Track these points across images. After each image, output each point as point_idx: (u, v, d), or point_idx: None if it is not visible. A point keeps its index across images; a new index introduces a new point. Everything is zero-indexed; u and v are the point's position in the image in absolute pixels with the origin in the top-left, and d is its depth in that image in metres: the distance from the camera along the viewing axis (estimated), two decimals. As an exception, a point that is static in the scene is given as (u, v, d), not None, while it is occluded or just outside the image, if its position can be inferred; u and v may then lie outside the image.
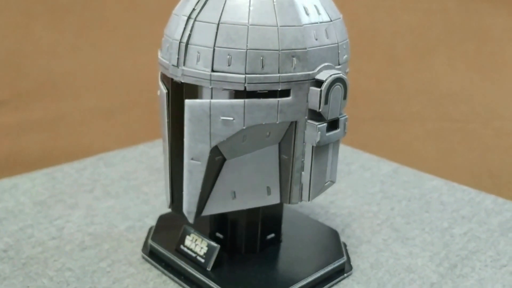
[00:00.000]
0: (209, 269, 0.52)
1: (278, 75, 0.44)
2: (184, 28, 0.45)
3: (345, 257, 0.56)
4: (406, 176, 0.78)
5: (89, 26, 1.03)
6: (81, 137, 0.97)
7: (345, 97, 0.47)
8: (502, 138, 1.02)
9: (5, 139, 0.94)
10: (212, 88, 0.44)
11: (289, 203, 0.49)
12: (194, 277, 0.52)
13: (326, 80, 0.44)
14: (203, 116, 0.45)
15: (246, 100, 0.44)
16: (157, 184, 0.73)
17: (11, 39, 0.99)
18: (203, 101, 0.44)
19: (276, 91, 0.44)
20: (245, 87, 0.44)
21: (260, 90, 0.44)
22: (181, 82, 0.45)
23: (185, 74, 0.45)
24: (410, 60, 1.09)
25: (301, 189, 0.48)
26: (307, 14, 0.45)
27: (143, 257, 0.57)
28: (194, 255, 0.53)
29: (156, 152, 0.83)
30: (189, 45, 0.44)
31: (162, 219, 0.61)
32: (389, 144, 1.00)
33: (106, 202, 0.68)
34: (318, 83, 0.45)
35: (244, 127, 0.45)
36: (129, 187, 0.72)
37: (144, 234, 0.61)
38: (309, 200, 0.48)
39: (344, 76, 0.46)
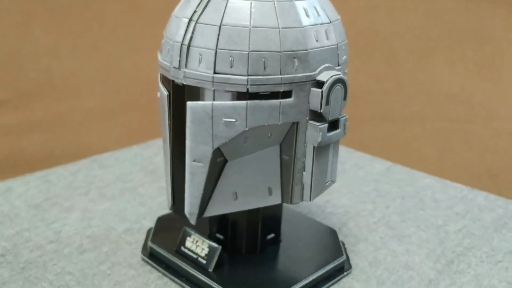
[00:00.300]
0: (210, 270, 0.52)
1: (280, 76, 0.44)
2: (186, 30, 0.45)
3: (344, 256, 0.56)
4: (399, 174, 0.79)
5: (89, 26, 1.02)
6: (81, 137, 0.97)
7: (345, 98, 0.47)
8: (502, 138, 1.02)
9: (5, 139, 0.93)
10: (214, 90, 0.44)
11: (291, 203, 0.50)
12: (195, 278, 0.52)
13: (327, 81, 0.45)
14: (205, 118, 0.45)
15: (249, 101, 0.44)
16: (152, 186, 0.73)
17: (11, 39, 0.97)
18: (206, 103, 0.45)
19: (278, 92, 0.45)
20: (247, 89, 0.44)
21: (262, 92, 0.44)
22: (183, 84, 0.46)
23: (187, 76, 0.45)
24: (410, 60, 1.09)
25: (302, 189, 0.49)
26: (307, 15, 0.45)
27: (143, 259, 0.57)
28: (195, 256, 0.53)
29: (150, 153, 0.83)
30: (191, 47, 0.45)
31: (160, 220, 0.61)
32: (388, 144, 1.00)
33: (102, 205, 0.68)
34: (319, 84, 0.45)
35: (246, 129, 0.45)
36: (124, 189, 0.72)
37: (143, 236, 0.61)
38: (310, 200, 0.49)
39: (345, 77, 0.46)
